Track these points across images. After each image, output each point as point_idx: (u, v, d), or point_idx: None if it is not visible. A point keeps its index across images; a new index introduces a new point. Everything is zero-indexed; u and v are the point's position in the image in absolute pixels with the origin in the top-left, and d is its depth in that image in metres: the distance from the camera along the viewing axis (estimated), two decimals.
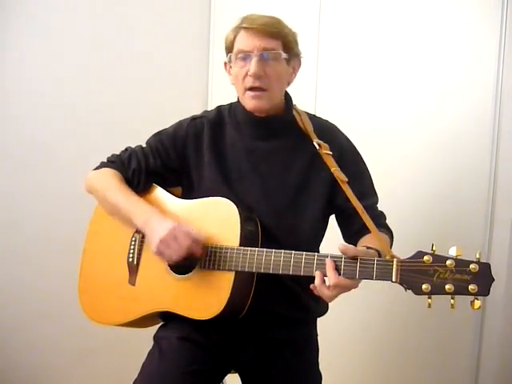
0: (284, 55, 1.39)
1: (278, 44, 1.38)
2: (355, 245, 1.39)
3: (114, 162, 1.51)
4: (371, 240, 1.34)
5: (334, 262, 1.21)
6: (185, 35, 2.53)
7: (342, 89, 2.12)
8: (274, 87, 1.41)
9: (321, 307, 1.51)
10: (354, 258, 1.20)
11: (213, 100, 2.56)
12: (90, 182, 1.50)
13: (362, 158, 1.52)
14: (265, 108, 1.42)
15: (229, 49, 1.43)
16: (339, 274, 1.20)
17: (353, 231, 1.44)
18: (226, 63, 1.47)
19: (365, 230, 1.37)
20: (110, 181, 1.45)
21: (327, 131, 1.49)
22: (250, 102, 1.41)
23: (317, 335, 1.55)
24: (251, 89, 1.39)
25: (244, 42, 1.37)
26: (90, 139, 2.22)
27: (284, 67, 1.41)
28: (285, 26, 1.41)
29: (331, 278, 1.20)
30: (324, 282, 1.23)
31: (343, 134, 1.53)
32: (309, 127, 1.46)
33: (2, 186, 2.07)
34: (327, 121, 1.54)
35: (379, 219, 1.46)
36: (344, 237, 1.51)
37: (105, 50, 2.27)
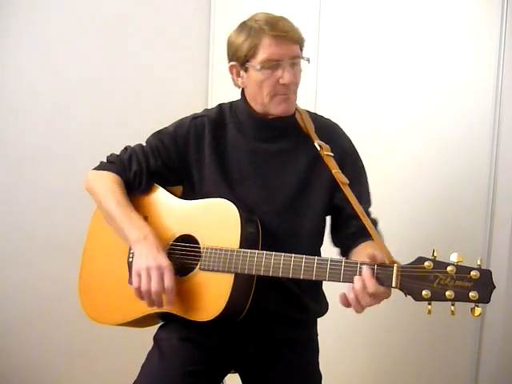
0: (305, 59, 1.40)
1: (298, 48, 1.39)
2: (348, 248, 1.38)
3: (114, 163, 1.49)
4: (372, 247, 1.31)
5: (372, 269, 1.17)
6: (185, 35, 2.53)
7: (341, 89, 2.11)
8: (297, 89, 1.42)
9: (321, 308, 1.51)
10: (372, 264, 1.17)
11: (213, 99, 2.56)
12: (90, 183, 1.49)
13: (362, 163, 1.50)
14: (293, 110, 1.43)
15: (247, 55, 1.37)
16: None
17: (348, 234, 1.42)
18: (233, 66, 1.43)
19: (360, 235, 1.36)
20: (109, 187, 1.43)
21: (329, 131, 1.49)
22: (279, 106, 1.40)
23: (317, 335, 1.55)
24: (282, 94, 1.38)
25: (273, 50, 1.34)
26: (90, 140, 2.22)
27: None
28: (298, 27, 1.41)
29: (372, 285, 1.15)
30: (364, 288, 1.16)
31: (345, 134, 1.52)
32: (310, 128, 1.46)
33: (2, 186, 2.07)
34: (329, 119, 1.54)
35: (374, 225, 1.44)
36: (335, 239, 1.48)
37: (105, 50, 2.27)
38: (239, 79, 1.44)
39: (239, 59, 1.39)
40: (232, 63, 1.43)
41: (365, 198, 1.45)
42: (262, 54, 1.35)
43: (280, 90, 1.38)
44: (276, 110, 1.40)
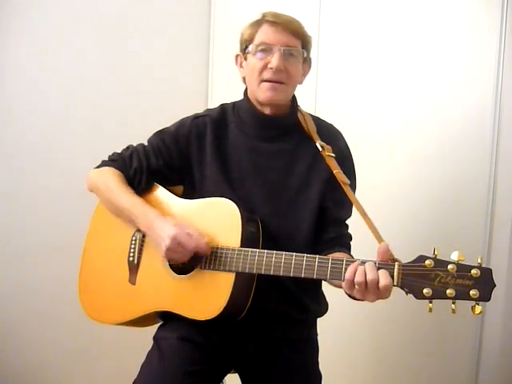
0: (304, 54, 1.42)
1: (299, 43, 1.41)
2: (322, 253, 1.36)
3: (115, 161, 1.50)
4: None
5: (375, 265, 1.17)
6: (185, 35, 2.53)
7: (341, 89, 2.11)
8: (290, 83, 1.43)
9: (320, 308, 1.52)
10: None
11: (213, 99, 2.56)
12: (92, 180, 1.50)
13: (355, 172, 1.51)
14: (279, 101, 1.43)
15: (247, 41, 1.43)
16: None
17: (324, 239, 1.43)
18: (237, 56, 1.48)
19: (337, 242, 1.40)
20: (112, 181, 1.45)
21: (330, 134, 1.50)
22: (265, 93, 1.41)
23: (317, 335, 1.55)
24: (268, 81, 1.40)
25: (268, 35, 1.39)
26: (91, 139, 2.22)
27: (300, 66, 1.44)
28: (305, 28, 1.44)
29: (386, 278, 1.15)
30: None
31: (345, 141, 1.53)
32: (312, 129, 1.47)
33: (2, 186, 2.07)
34: (332, 125, 1.55)
35: (346, 238, 1.47)
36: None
37: (105, 50, 2.27)
38: (241, 69, 1.47)
39: (241, 47, 1.45)
40: (237, 53, 1.48)
41: (351, 206, 1.46)
42: (257, 39, 1.40)
43: (267, 75, 1.39)
44: (262, 97, 1.42)
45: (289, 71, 1.40)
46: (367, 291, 1.17)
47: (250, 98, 1.47)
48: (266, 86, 1.40)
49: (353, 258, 1.41)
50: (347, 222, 1.50)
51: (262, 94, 1.41)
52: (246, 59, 1.44)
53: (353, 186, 1.47)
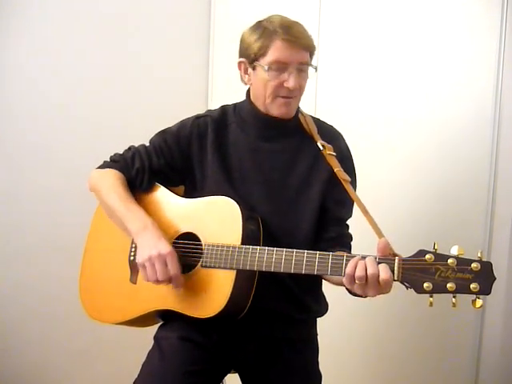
0: (313, 67, 1.42)
1: (308, 55, 1.40)
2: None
3: (117, 162, 1.50)
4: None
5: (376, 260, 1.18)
6: (185, 35, 2.53)
7: (341, 89, 2.12)
8: (301, 95, 1.44)
9: (320, 308, 1.52)
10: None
11: (213, 99, 2.56)
12: (93, 181, 1.50)
13: (355, 173, 1.51)
14: (292, 115, 1.45)
15: (257, 54, 1.38)
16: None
17: (324, 238, 1.44)
18: (242, 62, 1.45)
19: (338, 241, 1.40)
20: (112, 184, 1.45)
21: (330, 135, 1.50)
22: (280, 109, 1.41)
23: (317, 335, 1.55)
24: (284, 97, 1.40)
25: (283, 53, 1.36)
26: (91, 139, 2.22)
27: (308, 77, 1.43)
28: (311, 35, 1.42)
29: (386, 273, 1.15)
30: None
31: (345, 142, 1.53)
32: (313, 129, 1.48)
33: (2, 186, 2.07)
34: (332, 126, 1.55)
35: (347, 238, 1.47)
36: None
37: (105, 50, 2.27)
38: (246, 76, 1.46)
39: (249, 57, 1.41)
40: (241, 59, 1.45)
41: (352, 206, 1.46)
42: (271, 56, 1.37)
43: (283, 93, 1.39)
44: (276, 112, 1.42)
45: (301, 86, 1.41)
46: (367, 286, 1.17)
47: (254, 101, 1.46)
48: (282, 102, 1.40)
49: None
50: (348, 222, 1.50)
51: (276, 109, 1.42)
52: (254, 69, 1.42)
53: (353, 186, 1.47)
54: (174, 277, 1.31)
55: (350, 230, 1.50)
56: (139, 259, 1.33)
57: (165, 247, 1.31)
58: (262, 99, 1.42)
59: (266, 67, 1.37)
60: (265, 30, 1.38)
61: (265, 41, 1.37)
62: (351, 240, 1.49)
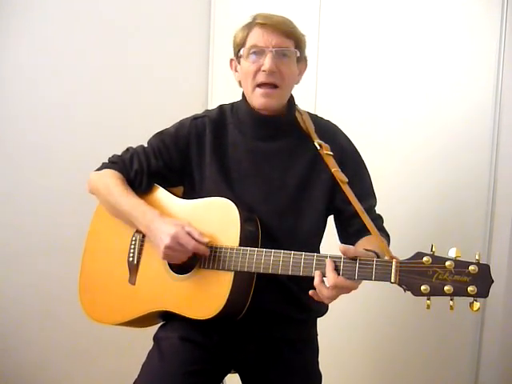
0: (297, 54, 1.41)
1: (291, 43, 1.40)
2: (353, 245, 1.39)
3: (115, 163, 1.50)
4: (369, 241, 1.34)
5: (334, 262, 1.21)
6: (185, 35, 2.53)
7: (341, 89, 2.11)
8: (285, 85, 1.42)
9: (321, 307, 1.51)
10: (354, 259, 1.20)
11: (213, 99, 2.56)
12: (93, 183, 1.50)
13: (362, 160, 1.51)
14: (274, 106, 1.43)
15: (239, 45, 1.42)
16: (338, 275, 1.20)
17: (351, 233, 1.44)
18: (232, 60, 1.47)
19: (363, 232, 1.37)
20: (112, 183, 1.45)
21: (329, 132, 1.50)
22: (259, 100, 1.41)
23: (317, 335, 1.55)
24: (262, 85, 1.39)
25: (259, 37, 1.38)
26: (90, 140, 2.22)
27: (295, 66, 1.43)
28: (297, 27, 1.43)
29: (330, 278, 1.20)
30: (323, 281, 1.22)
31: (345, 135, 1.53)
32: (310, 128, 1.47)
33: (2, 186, 2.07)
34: (329, 121, 1.55)
35: (377, 221, 1.45)
36: (341, 238, 1.50)
37: (105, 50, 2.27)
38: (236, 74, 1.47)
39: (235, 51, 1.44)
40: (231, 57, 1.47)
41: (366, 196, 1.46)
42: (249, 42, 1.39)
43: (261, 78, 1.39)
44: (257, 103, 1.42)
45: (282, 72, 1.39)
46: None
47: (246, 98, 1.47)
48: (260, 92, 1.40)
49: (388, 236, 1.44)
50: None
51: (255, 100, 1.42)
52: (239, 63, 1.44)
53: (362, 177, 1.48)
54: (194, 249, 1.32)
55: (379, 213, 1.50)
56: (161, 255, 1.35)
57: (171, 228, 1.32)
58: (247, 93, 1.44)
59: (245, 54, 1.39)
60: (247, 23, 1.41)
61: (244, 31, 1.41)
62: (382, 221, 1.48)
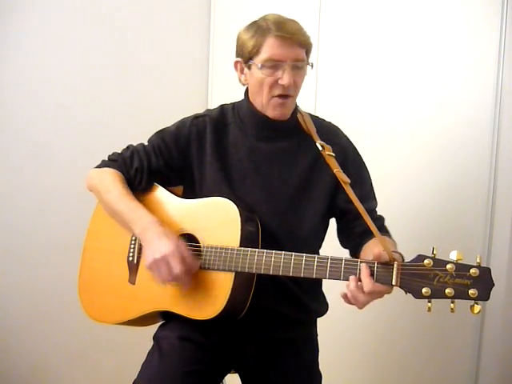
0: (309, 62, 1.40)
1: (303, 52, 1.39)
2: (357, 248, 1.39)
3: (115, 161, 1.49)
4: (376, 243, 1.32)
5: (369, 267, 1.19)
6: (185, 35, 2.53)
7: (342, 89, 2.11)
8: (297, 93, 1.42)
9: (320, 308, 1.52)
10: (389, 264, 1.18)
11: (213, 99, 2.56)
12: (92, 181, 1.50)
13: (363, 162, 1.51)
14: (288, 115, 1.43)
15: (251, 53, 1.38)
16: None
17: (356, 234, 1.43)
18: (238, 62, 1.44)
19: (368, 233, 1.36)
20: (111, 182, 1.44)
21: (330, 133, 1.49)
22: (276, 110, 1.41)
23: (317, 335, 1.55)
24: (279, 96, 1.38)
25: (276, 50, 1.35)
26: (90, 139, 2.22)
27: (305, 74, 1.42)
28: (306, 30, 1.40)
29: (367, 283, 1.17)
30: (359, 287, 1.19)
31: (346, 136, 1.53)
32: (312, 129, 1.47)
33: (1, 186, 2.07)
34: (330, 122, 1.55)
35: (379, 222, 1.44)
36: (343, 240, 1.49)
37: (105, 50, 2.27)
38: (242, 76, 1.45)
39: (244, 56, 1.41)
40: (237, 59, 1.44)
41: (367, 198, 1.46)
42: (264, 54, 1.36)
43: (278, 91, 1.38)
44: (271, 113, 1.42)
45: (297, 83, 1.39)
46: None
47: (252, 101, 1.46)
48: (278, 102, 1.39)
49: (391, 237, 1.42)
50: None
51: (272, 110, 1.41)
52: (249, 68, 1.41)
53: (363, 179, 1.47)
54: (178, 277, 1.30)
55: (380, 214, 1.49)
56: (146, 264, 1.33)
57: (165, 247, 1.30)
58: (259, 99, 1.42)
59: (260, 65, 1.36)
60: (258, 27, 1.37)
61: (258, 39, 1.36)
62: (383, 221, 1.47)
